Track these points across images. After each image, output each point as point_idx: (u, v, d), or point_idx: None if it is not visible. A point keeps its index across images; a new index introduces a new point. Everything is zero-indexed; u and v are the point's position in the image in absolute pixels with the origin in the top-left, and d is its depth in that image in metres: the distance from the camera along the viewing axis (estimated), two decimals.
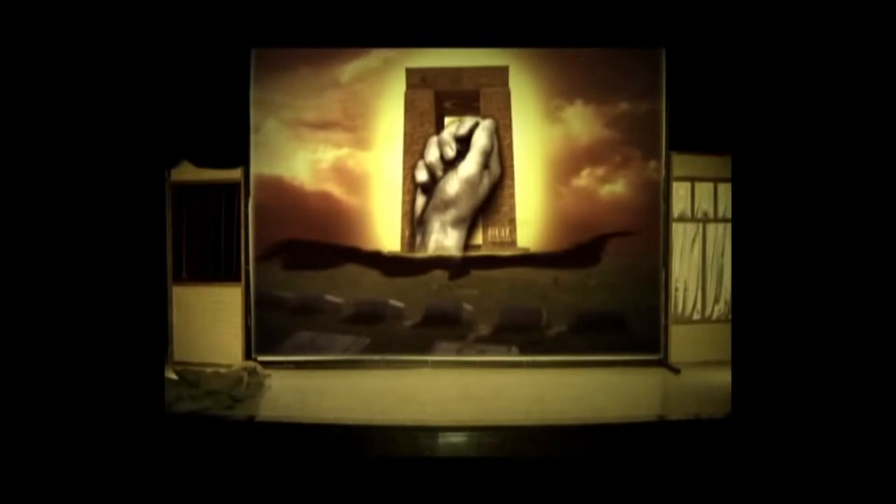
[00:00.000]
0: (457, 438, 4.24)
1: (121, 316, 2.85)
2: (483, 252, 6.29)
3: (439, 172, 6.23)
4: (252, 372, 5.39)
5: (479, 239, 6.30)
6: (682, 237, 6.38)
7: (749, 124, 2.96)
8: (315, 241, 6.26)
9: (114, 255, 2.86)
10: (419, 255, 6.26)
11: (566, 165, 6.26)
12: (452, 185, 6.23)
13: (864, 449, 2.63)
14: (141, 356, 2.92)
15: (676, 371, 5.98)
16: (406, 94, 6.27)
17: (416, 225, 6.28)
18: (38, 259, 2.74)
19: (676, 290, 6.37)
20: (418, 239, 6.27)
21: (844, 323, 2.70)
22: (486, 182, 6.24)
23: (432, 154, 6.23)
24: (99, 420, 2.77)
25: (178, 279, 6.21)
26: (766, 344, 2.79)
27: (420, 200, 6.28)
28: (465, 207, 6.24)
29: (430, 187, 6.26)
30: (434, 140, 6.24)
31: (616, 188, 6.25)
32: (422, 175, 6.24)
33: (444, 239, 6.26)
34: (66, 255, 2.78)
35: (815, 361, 2.71)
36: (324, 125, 6.27)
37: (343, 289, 6.27)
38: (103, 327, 2.81)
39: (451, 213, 6.24)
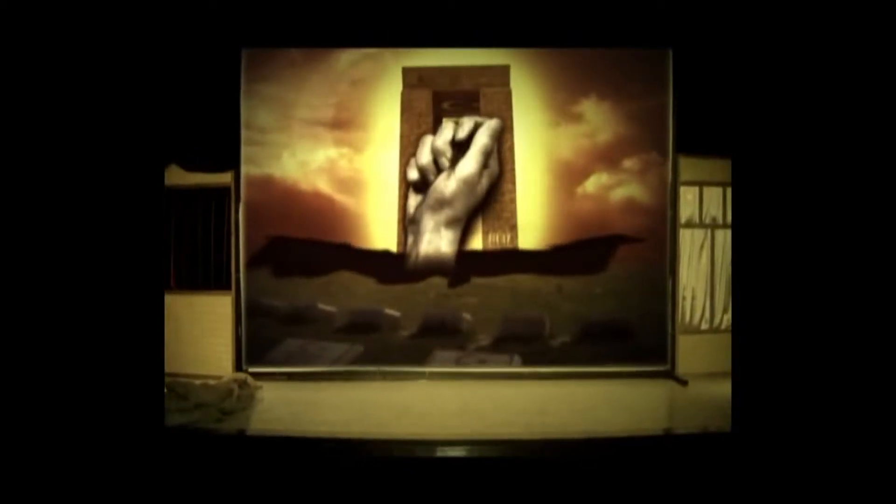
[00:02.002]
0: (455, 452, 4.25)
1: (118, 327, 2.88)
2: (483, 258, 6.32)
3: (432, 177, 6.26)
4: (243, 384, 5.42)
5: (479, 245, 6.33)
6: (690, 243, 6.43)
7: (750, 126, 2.98)
8: (308, 247, 6.29)
9: (108, 263, 2.88)
10: (416, 260, 6.28)
11: (570, 169, 6.30)
12: (449, 183, 6.26)
13: (880, 469, 2.65)
14: (139, 369, 2.93)
15: (684, 383, 6.01)
16: (403, 95, 6.30)
17: (408, 224, 6.31)
18: (25, 270, 2.77)
19: (684, 298, 6.41)
20: (410, 239, 6.30)
21: (851, 332, 2.72)
22: (484, 182, 6.26)
23: (425, 157, 6.25)
24: (90, 437, 2.79)
25: (166, 288, 6.23)
26: (770, 355, 2.81)
27: (413, 198, 6.31)
28: (460, 207, 6.27)
29: (423, 186, 6.29)
30: (428, 143, 6.26)
31: (622, 192, 6.29)
32: (413, 174, 6.27)
33: (437, 239, 6.28)
34: (55, 267, 2.80)
35: (822, 372, 2.73)
36: (317, 126, 6.31)
37: (337, 297, 6.30)
38: (99, 340, 2.84)
39: (446, 213, 6.27)
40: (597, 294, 6.28)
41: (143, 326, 2.95)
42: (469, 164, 6.24)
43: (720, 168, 6.13)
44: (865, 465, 2.65)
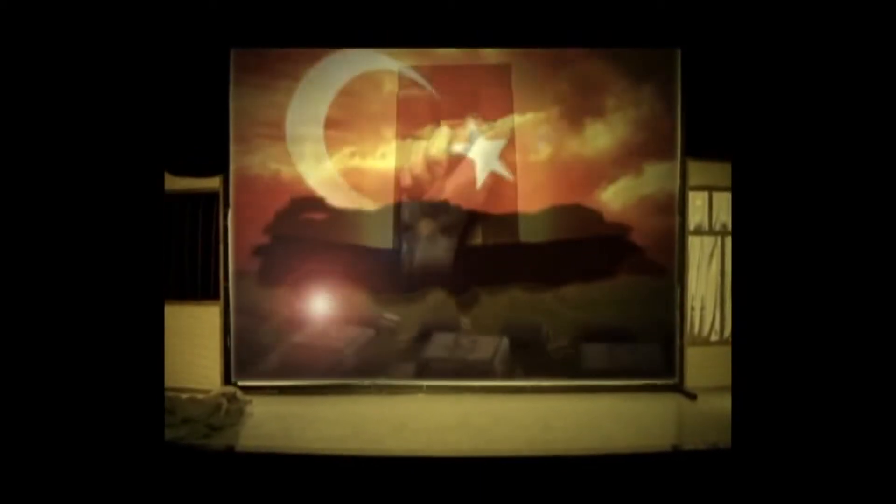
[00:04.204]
0: (454, 469, 4.27)
1: (118, 339, 2.92)
2: (483, 266, 6.36)
3: (426, 186, 6.30)
4: (231, 398, 5.45)
5: (478, 253, 6.36)
6: (699, 251, 6.45)
7: (752, 129, 3.02)
8: (301, 254, 6.33)
9: (108, 274, 2.93)
10: (412, 268, 6.32)
11: (573, 173, 6.33)
12: (445, 189, 6.32)
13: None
14: (139, 382, 2.98)
15: (692, 397, 6.04)
16: (399, 95, 6.34)
17: (402, 231, 6.36)
18: (25, 277, 2.82)
19: (692, 308, 6.43)
20: (405, 246, 6.35)
21: (858, 342, 2.75)
22: (484, 187, 6.31)
23: (420, 166, 6.30)
24: (83, 453, 2.83)
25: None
26: (772, 367, 2.84)
27: (409, 204, 6.36)
28: (458, 214, 6.33)
29: (419, 193, 6.35)
30: (423, 150, 6.30)
31: (628, 198, 6.32)
32: (408, 181, 6.32)
33: (434, 247, 6.32)
34: (51, 280, 2.85)
35: (829, 384, 2.76)
36: (310, 128, 6.33)
37: (331, 306, 6.32)
38: (98, 352, 2.88)
39: (443, 220, 6.33)
40: (601, 303, 6.31)
41: (143, 338, 2.98)
42: (469, 170, 6.29)
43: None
44: (873, 481, 2.69)
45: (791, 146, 2.92)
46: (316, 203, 6.33)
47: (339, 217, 6.34)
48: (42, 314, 2.82)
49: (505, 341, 6.33)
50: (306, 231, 6.34)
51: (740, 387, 2.97)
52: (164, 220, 5.90)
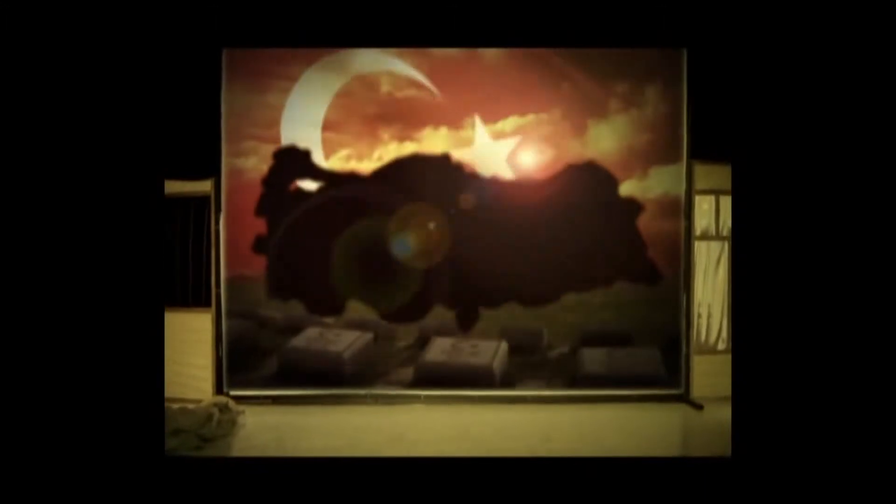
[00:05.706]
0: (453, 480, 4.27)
1: (117, 348, 2.93)
2: (484, 266, 6.39)
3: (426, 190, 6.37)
4: (223, 408, 5.45)
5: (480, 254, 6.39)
6: (706, 257, 6.47)
7: (756, 132, 3.03)
8: (297, 260, 6.34)
9: (106, 281, 2.94)
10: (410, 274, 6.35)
11: (576, 175, 6.35)
12: (445, 192, 6.38)
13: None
14: (138, 391, 2.99)
15: (699, 407, 6.05)
16: (396, 97, 6.36)
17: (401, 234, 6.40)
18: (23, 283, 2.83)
19: (699, 316, 6.45)
20: (403, 249, 6.38)
21: (863, 348, 2.76)
22: (483, 189, 6.37)
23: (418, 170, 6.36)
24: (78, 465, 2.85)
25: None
26: (774, 375, 2.85)
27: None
28: (457, 216, 6.37)
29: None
30: (421, 153, 6.35)
31: (632, 202, 6.34)
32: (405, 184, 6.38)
33: (433, 251, 6.35)
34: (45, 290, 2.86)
35: (833, 392, 2.77)
36: (306, 130, 6.35)
37: (328, 314, 6.34)
38: (96, 361, 2.89)
39: (442, 222, 6.37)
40: (604, 311, 6.32)
41: (142, 347, 3.00)
42: (469, 172, 6.34)
43: None
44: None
45: (797, 149, 2.93)
46: (311, 208, 6.33)
47: (336, 223, 6.34)
48: (41, 318, 2.84)
49: (504, 346, 6.34)
50: (301, 237, 6.33)
51: (741, 396, 2.98)
52: (162, 227, 5.93)
